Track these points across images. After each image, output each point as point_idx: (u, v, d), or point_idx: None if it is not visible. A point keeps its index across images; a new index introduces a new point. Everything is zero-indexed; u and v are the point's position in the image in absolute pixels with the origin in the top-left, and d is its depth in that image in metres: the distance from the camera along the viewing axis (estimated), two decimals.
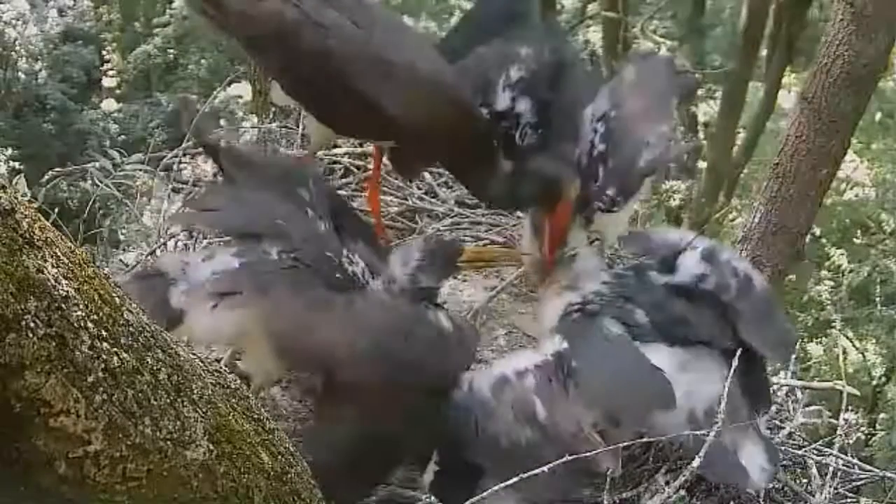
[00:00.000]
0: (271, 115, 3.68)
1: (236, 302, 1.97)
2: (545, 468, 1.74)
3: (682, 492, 2.05)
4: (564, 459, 1.78)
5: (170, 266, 2.06)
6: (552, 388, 1.98)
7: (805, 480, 2.38)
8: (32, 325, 1.01)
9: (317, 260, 2.07)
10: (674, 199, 9.53)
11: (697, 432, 1.92)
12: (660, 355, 2.04)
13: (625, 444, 1.95)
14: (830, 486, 2.31)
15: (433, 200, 3.26)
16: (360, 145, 3.31)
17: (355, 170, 3.32)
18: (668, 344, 2.08)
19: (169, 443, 1.21)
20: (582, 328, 2.12)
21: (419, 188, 3.31)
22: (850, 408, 2.69)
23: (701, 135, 10.49)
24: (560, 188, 2.38)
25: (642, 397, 2.01)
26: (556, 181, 2.40)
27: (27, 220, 1.04)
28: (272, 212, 2.14)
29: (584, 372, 1.99)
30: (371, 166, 2.96)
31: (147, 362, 1.18)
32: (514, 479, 1.78)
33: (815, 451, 2.40)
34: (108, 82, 12.62)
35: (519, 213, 2.86)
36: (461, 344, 2.10)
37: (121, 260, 3.15)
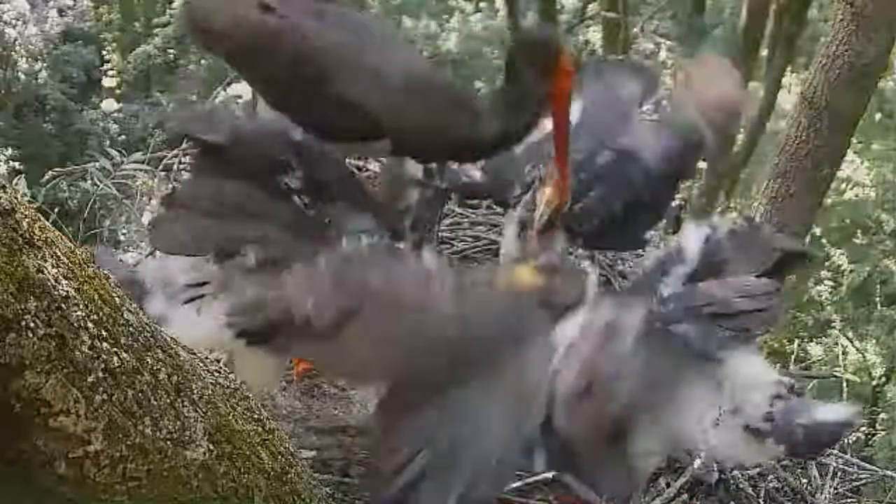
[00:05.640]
0: None
1: (208, 303, 1.90)
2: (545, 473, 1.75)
3: (685, 495, 2.06)
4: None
5: (148, 274, 2.02)
6: None
7: (805, 480, 2.38)
8: (32, 325, 1.00)
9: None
10: (673, 200, 9.48)
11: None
12: None
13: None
14: (830, 486, 2.31)
15: None
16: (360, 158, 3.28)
17: (356, 171, 3.31)
18: None
19: (169, 443, 1.21)
20: None
21: None
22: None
23: None
24: (551, 49, 2.02)
25: None
26: (545, 42, 2.05)
27: (27, 220, 1.04)
28: (251, 217, 1.97)
29: None
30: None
31: (147, 362, 1.18)
32: (517, 483, 1.80)
33: None
34: (108, 82, 12.58)
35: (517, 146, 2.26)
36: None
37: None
